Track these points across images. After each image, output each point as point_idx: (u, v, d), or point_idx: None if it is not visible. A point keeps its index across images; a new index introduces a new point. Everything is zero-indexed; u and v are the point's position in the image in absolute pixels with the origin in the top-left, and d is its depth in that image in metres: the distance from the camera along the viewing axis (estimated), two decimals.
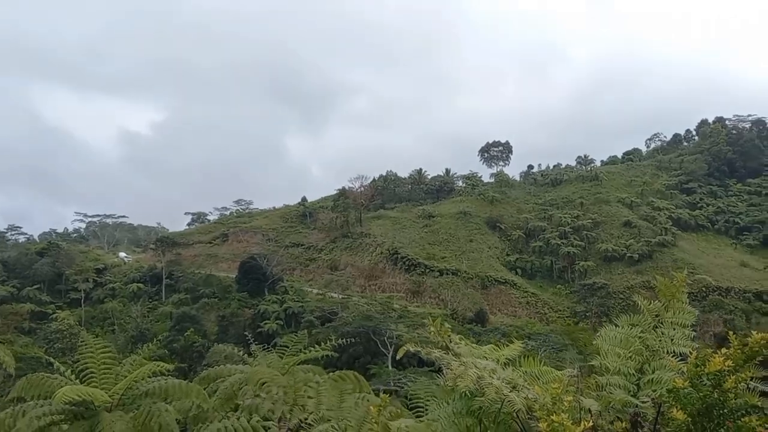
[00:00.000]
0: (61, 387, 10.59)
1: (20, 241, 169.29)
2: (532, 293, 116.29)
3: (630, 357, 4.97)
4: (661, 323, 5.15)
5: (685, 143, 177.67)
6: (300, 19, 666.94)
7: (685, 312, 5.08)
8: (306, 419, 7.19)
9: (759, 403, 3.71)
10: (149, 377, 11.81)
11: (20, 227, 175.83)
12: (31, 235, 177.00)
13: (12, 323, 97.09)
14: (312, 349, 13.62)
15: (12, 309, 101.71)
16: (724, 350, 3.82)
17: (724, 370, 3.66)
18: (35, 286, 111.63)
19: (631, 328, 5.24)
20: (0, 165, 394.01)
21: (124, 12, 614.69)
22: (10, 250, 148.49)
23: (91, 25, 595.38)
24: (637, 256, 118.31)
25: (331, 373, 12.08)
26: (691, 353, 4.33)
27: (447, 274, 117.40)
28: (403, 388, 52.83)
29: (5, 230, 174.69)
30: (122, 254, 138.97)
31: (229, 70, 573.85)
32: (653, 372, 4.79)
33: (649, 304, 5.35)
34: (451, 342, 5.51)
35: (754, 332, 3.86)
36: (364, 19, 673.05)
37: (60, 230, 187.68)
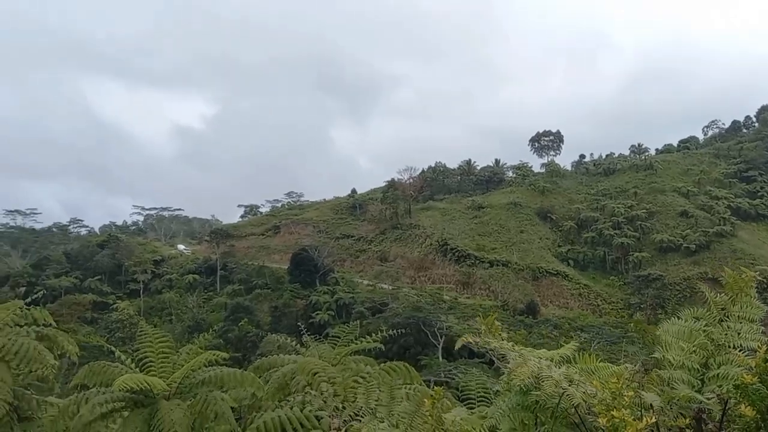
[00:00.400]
0: (122, 375, 10.82)
1: (82, 233, 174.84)
2: (585, 285, 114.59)
3: (694, 351, 4.79)
4: (727, 317, 4.94)
5: (745, 130, 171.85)
6: (342, 10, 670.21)
7: (753, 306, 4.87)
8: (357, 413, 7.18)
9: None
10: (205, 366, 11.97)
11: (82, 220, 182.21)
12: (92, 228, 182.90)
13: (75, 313, 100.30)
14: (363, 339, 13.60)
15: (75, 299, 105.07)
16: None
17: None
18: (96, 277, 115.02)
19: (695, 321, 5.05)
20: (56, 158, 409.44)
21: (170, 9, 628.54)
22: (72, 242, 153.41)
23: (139, 22, 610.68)
24: (693, 246, 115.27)
25: (382, 364, 12.06)
26: (759, 348, 4.13)
27: (497, 265, 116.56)
28: (453, 379, 52.75)
29: (68, 223, 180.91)
30: (181, 246, 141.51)
31: (274, 64, 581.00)
32: (719, 367, 4.60)
33: (715, 297, 5.14)
34: (502, 340, 5.41)
35: None
36: (407, 9, 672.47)
37: (119, 223, 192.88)
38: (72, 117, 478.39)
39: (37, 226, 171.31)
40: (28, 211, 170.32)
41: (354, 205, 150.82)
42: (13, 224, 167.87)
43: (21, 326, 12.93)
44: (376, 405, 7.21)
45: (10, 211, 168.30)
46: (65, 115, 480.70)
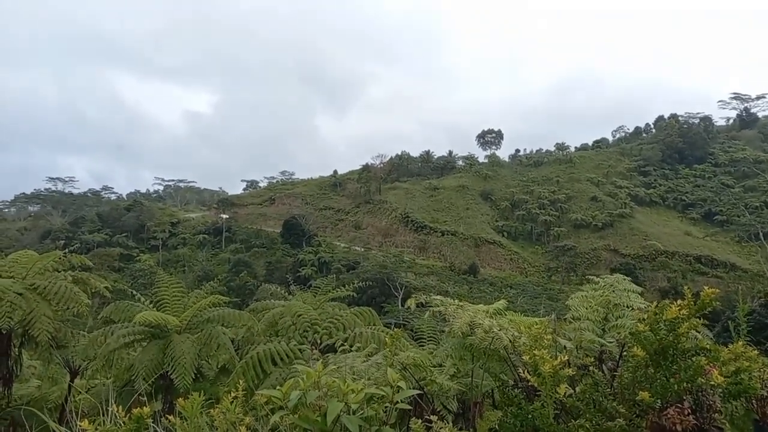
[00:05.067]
0: (141, 312, 10.72)
1: (112, 198, 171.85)
2: (515, 252, 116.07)
3: (597, 308, 4.88)
4: (616, 290, 5.07)
5: (644, 134, 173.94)
6: (322, 20, 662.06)
7: (632, 284, 5.06)
8: (339, 342, 7.17)
9: (708, 346, 3.59)
10: (210, 307, 11.90)
11: (112, 187, 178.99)
12: (120, 194, 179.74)
13: (105, 263, 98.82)
14: (339, 290, 13.62)
15: (105, 252, 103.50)
16: (679, 301, 3.69)
17: (679, 317, 3.53)
18: (123, 234, 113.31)
19: (595, 290, 5.16)
20: (88, 136, 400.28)
21: (177, 10, 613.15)
22: (103, 205, 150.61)
23: (153, 22, 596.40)
24: (600, 224, 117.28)
25: (352, 309, 12.09)
26: (650, 305, 4.20)
27: (447, 234, 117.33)
28: (409, 323, 53.16)
29: (100, 190, 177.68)
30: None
31: (267, 62, 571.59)
32: (617, 320, 4.69)
33: (601, 280, 5.29)
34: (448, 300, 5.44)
35: (705, 287, 3.71)
36: (377, 19, 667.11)
37: (143, 191, 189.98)
38: (100, 103, 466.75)
39: (74, 191, 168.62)
40: (66, 179, 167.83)
41: (335, 183, 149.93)
42: (54, 189, 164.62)
43: (59, 271, 12.67)
44: (349, 340, 7.22)
45: (52, 178, 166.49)
46: (94, 100, 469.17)
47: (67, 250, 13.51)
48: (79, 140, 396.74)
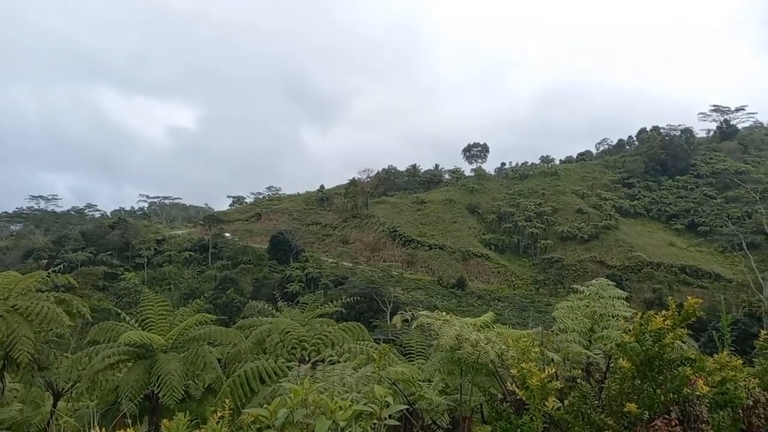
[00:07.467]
0: (127, 332, 10.58)
1: (96, 216, 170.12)
2: (502, 265, 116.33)
3: (583, 319, 4.91)
4: (601, 297, 5.10)
5: (627, 147, 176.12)
6: (305, 32, 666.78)
7: (617, 291, 5.08)
8: (327, 357, 7.13)
9: (693, 356, 3.62)
10: (197, 325, 11.77)
11: (95, 205, 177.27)
12: (104, 212, 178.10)
13: (89, 282, 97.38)
14: (327, 305, 13.55)
15: (89, 271, 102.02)
16: (664, 312, 3.73)
17: (664, 328, 3.56)
18: (108, 253, 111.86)
19: (580, 300, 5.19)
20: (71, 153, 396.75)
21: (157, 25, 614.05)
22: (87, 223, 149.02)
23: (133, 37, 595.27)
24: (586, 236, 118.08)
25: (340, 324, 12.03)
26: (635, 315, 4.23)
27: (435, 248, 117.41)
28: (398, 338, 52.90)
29: (83, 207, 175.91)
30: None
31: (250, 76, 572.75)
32: (602, 330, 4.72)
33: (586, 287, 5.32)
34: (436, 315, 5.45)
35: (689, 297, 3.76)
36: (358, 34, 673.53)
37: (127, 208, 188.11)
38: (83, 118, 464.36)
39: (57, 210, 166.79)
40: (50, 197, 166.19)
41: (322, 198, 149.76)
42: (36, 207, 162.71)
43: (43, 292, 12.48)
44: (347, 349, 7.18)
45: (35, 196, 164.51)
46: (75, 117, 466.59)
47: (51, 270, 13.30)
48: (61, 157, 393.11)
